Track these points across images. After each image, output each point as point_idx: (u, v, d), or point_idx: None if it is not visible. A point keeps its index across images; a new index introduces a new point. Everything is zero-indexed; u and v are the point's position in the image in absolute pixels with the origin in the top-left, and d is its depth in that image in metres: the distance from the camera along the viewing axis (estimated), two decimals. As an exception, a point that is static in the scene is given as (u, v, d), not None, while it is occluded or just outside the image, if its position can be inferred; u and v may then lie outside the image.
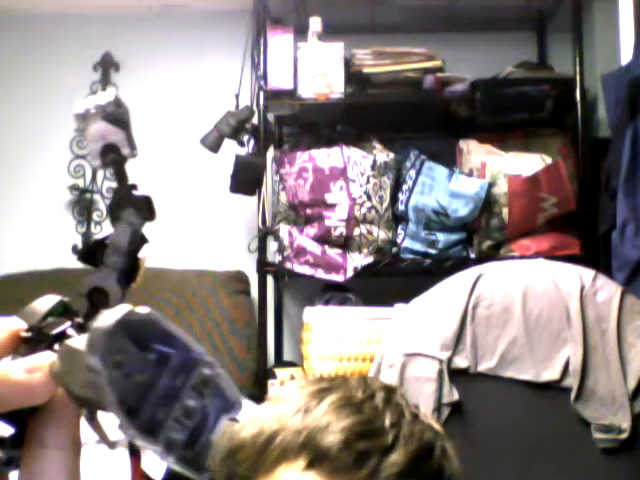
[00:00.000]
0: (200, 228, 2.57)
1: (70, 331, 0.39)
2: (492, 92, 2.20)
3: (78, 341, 0.35)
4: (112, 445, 0.36)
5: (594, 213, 2.03)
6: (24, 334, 0.39)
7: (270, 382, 2.07)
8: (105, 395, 0.33)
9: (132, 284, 0.45)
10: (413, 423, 0.64)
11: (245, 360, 2.26)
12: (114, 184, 0.47)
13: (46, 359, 0.36)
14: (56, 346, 0.38)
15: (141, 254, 0.46)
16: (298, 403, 0.64)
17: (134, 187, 0.48)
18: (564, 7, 2.28)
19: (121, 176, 0.48)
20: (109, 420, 0.35)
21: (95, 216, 2.62)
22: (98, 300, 0.43)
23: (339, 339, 1.99)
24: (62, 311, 0.42)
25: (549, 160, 2.18)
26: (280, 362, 2.37)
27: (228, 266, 2.46)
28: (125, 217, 0.47)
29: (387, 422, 0.62)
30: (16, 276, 2.44)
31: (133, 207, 0.47)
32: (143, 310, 0.37)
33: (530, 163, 2.17)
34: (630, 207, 1.82)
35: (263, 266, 2.19)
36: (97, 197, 2.62)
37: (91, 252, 0.45)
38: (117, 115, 0.48)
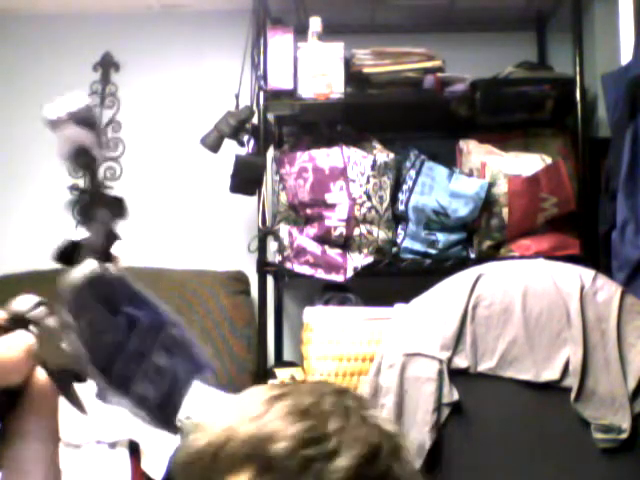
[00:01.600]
0: (200, 228, 2.57)
1: (46, 316, 0.40)
2: (492, 92, 2.19)
3: (54, 320, 0.36)
4: (85, 412, 0.37)
5: (594, 213, 2.02)
6: (2, 323, 0.40)
7: (270, 382, 2.07)
8: (78, 356, 0.34)
9: None
10: (359, 427, 0.63)
11: (245, 360, 2.26)
12: (87, 184, 0.47)
13: (23, 338, 0.37)
14: (34, 328, 0.38)
15: (115, 252, 0.47)
16: (249, 411, 0.64)
17: (106, 188, 0.48)
18: (564, 7, 2.28)
19: (93, 177, 0.48)
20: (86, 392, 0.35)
21: (95, 216, 2.61)
22: None
23: (339, 339, 1.99)
24: (42, 305, 0.43)
25: (549, 160, 2.18)
26: (280, 362, 2.37)
27: (228, 266, 2.46)
28: (98, 217, 0.47)
29: (331, 427, 0.62)
30: (16, 276, 2.44)
31: (105, 207, 0.48)
32: (113, 268, 0.38)
33: (530, 163, 2.17)
34: (630, 207, 1.82)
35: (263, 266, 2.19)
36: (97, 197, 2.62)
37: (66, 253, 0.46)
38: (88, 118, 0.48)
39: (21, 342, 0.36)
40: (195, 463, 0.62)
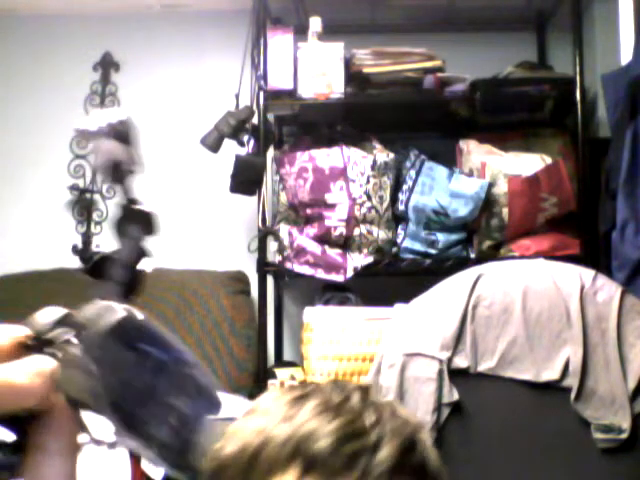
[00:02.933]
0: (200, 228, 2.57)
1: (73, 340, 0.40)
2: (492, 92, 2.19)
3: (77, 348, 0.35)
4: (89, 433, 0.37)
5: (594, 213, 2.02)
6: (28, 342, 0.39)
7: (270, 382, 2.07)
8: (98, 396, 0.34)
9: (134, 296, 0.45)
10: (393, 419, 0.64)
11: (245, 360, 2.26)
12: (120, 198, 0.47)
13: (47, 364, 0.37)
14: (58, 353, 0.38)
15: (143, 267, 0.47)
16: (278, 413, 0.63)
17: (139, 203, 0.49)
18: (564, 7, 2.28)
19: (126, 191, 0.49)
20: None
21: (95, 216, 2.62)
22: None
23: (339, 339, 1.99)
24: (67, 323, 0.42)
25: (549, 160, 2.18)
26: (280, 362, 2.37)
27: (228, 266, 2.46)
28: (129, 232, 0.48)
29: (368, 421, 0.62)
30: (16, 276, 2.44)
31: (136, 222, 0.48)
32: (136, 314, 0.37)
33: (530, 163, 2.17)
34: (630, 207, 1.82)
35: (263, 266, 2.19)
36: (97, 197, 2.62)
37: (97, 266, 0.46)
38: (124, 133, 0.49)
39: (40, 366, 0.36)
40: (227, 470, 0.61)
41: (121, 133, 0.48)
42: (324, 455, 0.59)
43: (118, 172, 0.48)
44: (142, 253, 0.47)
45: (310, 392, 0.66)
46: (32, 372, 0.37)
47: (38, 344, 0.39)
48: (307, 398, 0.64)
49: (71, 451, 0.38)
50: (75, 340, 0.40)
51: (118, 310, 0.36)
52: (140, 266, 0.47)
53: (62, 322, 0.41)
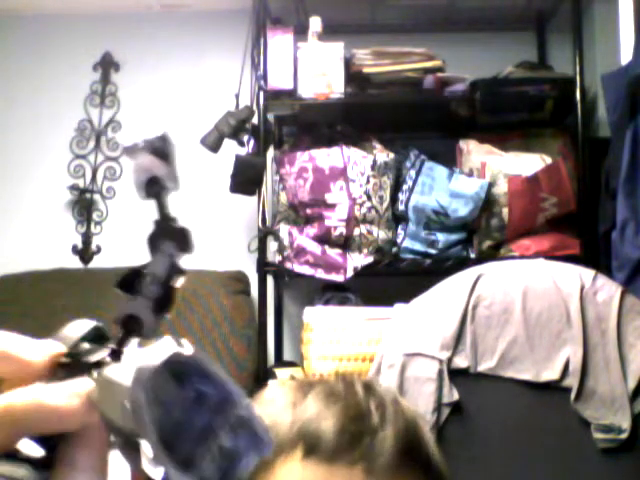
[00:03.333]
0: (200, 228, 2.57)
1: (107, 359, 0.40)
2: (492, 92, 2.20)
3: (118, 372, 0.35)
4: (143, 473, 0.37)
5: (594, 213, 2.02)
6: (62, 359, 0.39)
7: (270, 382, 2.07)
8: (145, 429, 0.34)
9: (166, 313, 0.46)
10: (395, 404, 0.66)
11: (245, 360, 2.26)
12: (155, 214, 0.48)
13: (84, 386, 0.36)
14: (94, 373, 0.38)
15: (176, 284, 0.47)
16: (284, 400, 0.66)
17: (174, 220, 0.49)
18: (564, 7, 2.28)
19: (162, 208, 0.49)
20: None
21: (95, 216, 2.62)
22: (132, 328, 0.44)
23: (339, 339, 1.99)
24: (96, 337, 0.42)
25: (549, 160, 2.18)
26: (280, 362, 2.37)
27: (228, 266, 2.46)
28: (164, 248, 0.48)
29: (372, 405, 0.64)
30: (16, 276, 2.44)
31: (172, 239, 0.48)
32: (188, 350, 0.37)
33: (530, 163, 2.17)
34: (630, 207, 1.82)
35: (263, 266, 2.19)
36: (97, 197, 2.62)
37: (128, 280, 0.46)
38: (163, 149, 0.49)
39: (77, 387, 0.36)
40: None
41: (159, 149, 0.49)
42: (327, 435, 0.61)
43: (154, 188, 0.48)
44: (176, 270, 0.47)
45: (315, 382, 0.68)
46: (71, 393, 0.37)
47: (73, 362, 0.39)
48: (312, 386, 0.67)
49: (100, 467, 0.38)
50: (109, 359, 0.40)
51: (166, 346, 0.36)
52: (174, 283, 0.47)
53: (95, 338, 0.41)
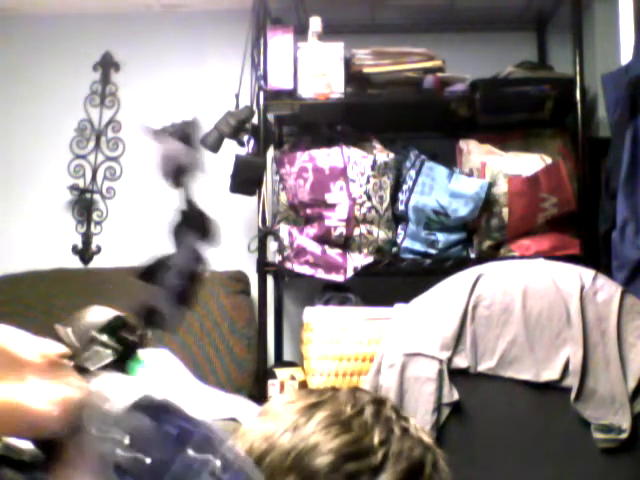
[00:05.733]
0: (200, 228, 2.56)
1: (101, 372, 0.39)
2: (492, 92, 2.19)
3: (104, 391, 0.34)
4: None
5: (594, 213, 2.02)
6: (59, 360, 0.38)
7: (270, 382, 2.07)
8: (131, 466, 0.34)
9: (188, 307, 0.44)
10: (403, 439, 0.62)
11: (245, 360, 2.26)
12: (179, 203, 0.46)
13: (71, 394, 0.35)
14: (93, 380, 0.37)
15: (199, 277, 0.46)
16: (286, 421, 0.63)
17: (199, 210, 0.47)
18: (564, 7, 2.28)
19: (188, 197, 0.48)
20: None
21: (95, 216, 2.62)
22: (152, 320, 0.43)
23: (339, 339, 1.99)
24: (119, 326, 0.41)
25: (549, 160, 2.18)
26: (280, 362, 2.37)
27: (228, 266, 2.46)
28: (187, 240, 0.47)
29: (376, 440, 0.61)
30: (16, 276, 2.44)
31: (194, 229, 0.47)
32: (161, 395, 0.36)
33: (530, 163, 2.17)
34: (630, 207, 1.82)
35: (263, 266, 2.19)
36: (97, 197, 2.62)
37: (151, 270, 0.45)
38: (189, 136, 0.48)
39: (67, 394, 0.35)
40: None
41: (186, 135, 0.48)
42: (323, 472, 0.59)
43: (180, 175, 0.47)
44: (198, 261, 0.46)
45: (323, 401, 0.64)
46: (55, 400, 0.35)
47: (73, 366, 0.38)
48: (319, 407, 0.63)
49: (101, 468, 0.38)
50: (105, 371, 0.39)
51: (139, 389, 0.35)
52: (197, 271, 0.46)
53: (114, 328, 0.40)
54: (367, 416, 0.62)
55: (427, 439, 0.65)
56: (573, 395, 1.49)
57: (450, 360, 1.54)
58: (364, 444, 0.60)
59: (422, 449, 0.63)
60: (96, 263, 2.59)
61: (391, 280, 2.27)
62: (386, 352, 1.60)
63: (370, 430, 0.61)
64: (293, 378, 2.06)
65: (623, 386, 1.47)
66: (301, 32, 2.22)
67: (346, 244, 2.14)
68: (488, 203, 2.11)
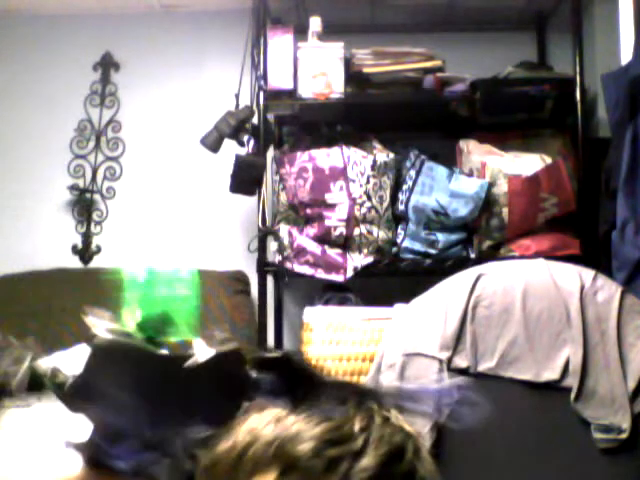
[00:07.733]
0: (200, 228, 2.57)
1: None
2: (492, 92, 2.20)
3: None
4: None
5: (594, 213, 2.02)
6: None
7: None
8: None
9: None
10: (383, 426, 0.64)
11: (245, 360, 2.26)
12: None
13: None
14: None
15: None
16: (270, 414, 0.65)
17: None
18: (564, 7, 2.28)
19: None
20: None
21: (95, 216, 2.61)
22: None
23: (339, 339, 1.99)
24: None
25: (549, 160, 2.18)
26: (280, 362, 2.37)
27: (228, 266, 2.46)
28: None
29: (357, 427, 0.62)
30: (16, 276, 2.44)
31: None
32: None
33: (530, 163, 2.17)
34: (630, 207, 1.82)
35: (263, 266, 2.19)
36: (97, 197, 2.62)
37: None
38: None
39: None
40: (220, 464, 0.62)
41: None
42: (305, 458, 0.60)
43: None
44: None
45: None
46: None
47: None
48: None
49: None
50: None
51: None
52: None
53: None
54: (349, 406, 0.64)
55: (409, 428, 0.67)
56: (573, 395, 1.49)
57: (450, 360, 1.54)
58: (345, 430, 0.62)
59: (403, 436, 0.65)
60: (96, 263, 2.59)
61: (391, 280, 2.27)
62: (386, 352, 1.60)
63: (351, 418, 0.63)
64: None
65: (623, 386, 1.47)
66: (301, 32, 2.22)
67: (346, 244, 2.14)
68: (488, 203, 2.11)
